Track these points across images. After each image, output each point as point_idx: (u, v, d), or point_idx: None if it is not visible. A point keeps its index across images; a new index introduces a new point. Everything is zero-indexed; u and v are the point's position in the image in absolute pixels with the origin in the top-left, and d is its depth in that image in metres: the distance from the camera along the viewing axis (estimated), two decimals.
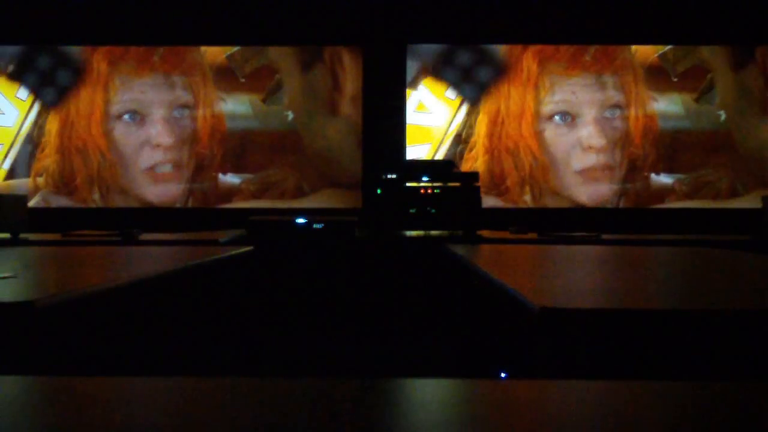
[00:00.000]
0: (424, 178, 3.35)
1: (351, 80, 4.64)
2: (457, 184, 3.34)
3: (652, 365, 0.97)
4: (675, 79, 4.61)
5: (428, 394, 0.64)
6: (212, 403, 0.60)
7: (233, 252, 2.20)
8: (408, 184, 3.36)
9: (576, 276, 1.55)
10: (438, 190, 3.32)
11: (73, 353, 1.28)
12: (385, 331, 3.19)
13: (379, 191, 3.36)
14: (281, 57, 4.65)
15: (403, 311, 3.17)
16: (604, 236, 3.25)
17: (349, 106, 4.63)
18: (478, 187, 3.34)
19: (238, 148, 4.64)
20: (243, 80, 4.64)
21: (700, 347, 0.97)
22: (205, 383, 0.65)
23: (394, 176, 3.37)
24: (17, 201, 3.09)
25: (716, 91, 4.61)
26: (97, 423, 0.54)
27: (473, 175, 3.40)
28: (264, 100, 4.64)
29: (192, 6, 4.60)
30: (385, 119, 4.62)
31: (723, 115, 4.59)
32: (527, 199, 4.61)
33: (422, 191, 3.33)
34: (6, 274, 1.34)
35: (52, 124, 4.62)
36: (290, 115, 4.64)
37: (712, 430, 0.53)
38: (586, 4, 4.57)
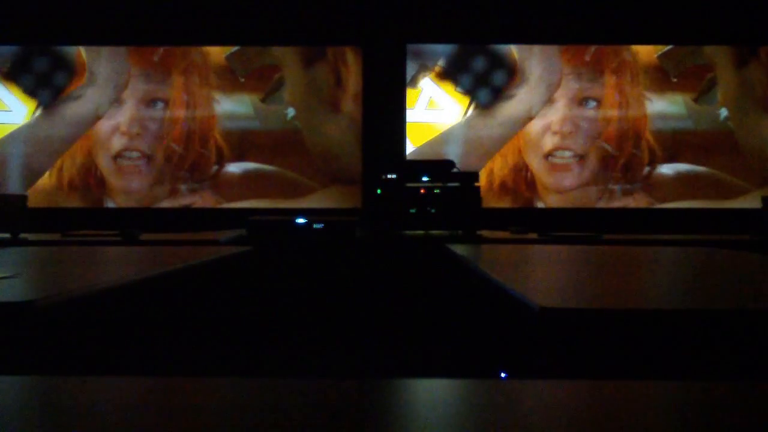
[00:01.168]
0: (424, 178, 3.35)
1: (354, 78, 4.64)
2: (457, 184, 3.35)
3: (652, 365, 0.97)
4: (674, 80, 4.61)
5: (428, 394, 0.64)
6: (212, 403, 0.60)
7: (233, 252, 2.20)
8: (408, 184, 3.36)
9: (576, 276, 1.54)
10: (438, 190, 3.32)
11: (73, 353, 1.28)
12: (385, 331, 3.19)
13: (379, 191, 3.37)
14: (283, 54, 4.66)
15: (403, 311, 3.17)
16: (604, 236, 3.26)
17: (351, 103, 4.63)
18: (478, 187, 3.34)
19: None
20: (243, 80, 4.65)
21: (700, 347, 0.97)
22: (205, 383, 0.65)
23: (394, 176, 3.37)
24: (17, 201, 3.09)
25: (718, 89, 4.62)
26: (96, 423, 0.54)
27: (473, 175, 3.40)
28: (263, 99, 4.64)
29: (192, 6, 4.60)
30: (386, 119, 4.63)
31: (723, 114, 4.60)
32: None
33: (422, 191, 3.33)
34: (6, 274, 1.34)
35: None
36: (290, 113, 4.65)
37: (711, 430, 0.53)
38: (589, 3, 4.57)
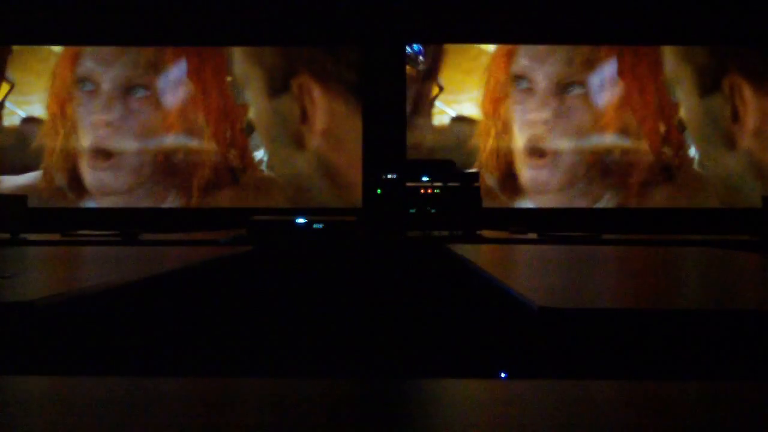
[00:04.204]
0: (424, 178, 3.35)
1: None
2: (457, 184, 3.34)
3: (652, 365, 0.97)
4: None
5: (428, 394, 0.64)
6: (213, 403, 0.60)
7: (233, 252, 2.20)
8: (408, 184, 3.36)
9: (575, 276, 1.54)
10: (438, 190, 3.32)
11: (73, 353, 1.28)
12: (384, 331, 3.18)
13: (379, 191, 3.36)
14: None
15: (403, 311, 3.17)
16: (604, 236, 3.25)
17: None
18: (478, 187, 3.34)
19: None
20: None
21: (700, 347, 0.97)
22: (205, 383, 0.65)
23: (394, 176, 3.36)
24: (17, 201, 3.09)
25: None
26: (97, 423, 0.54)
27: (473, 175, 3.40)
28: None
29: (189, 6, 4.60)
30: (386, 118, 4.63)
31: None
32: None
33: (422, 191, 3.33)
34: (5, 274, 1.34)
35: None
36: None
37: (712, 430, 0.53)
38: (589, 3, 4.57)
